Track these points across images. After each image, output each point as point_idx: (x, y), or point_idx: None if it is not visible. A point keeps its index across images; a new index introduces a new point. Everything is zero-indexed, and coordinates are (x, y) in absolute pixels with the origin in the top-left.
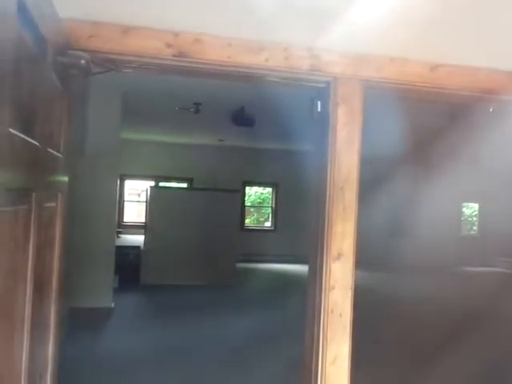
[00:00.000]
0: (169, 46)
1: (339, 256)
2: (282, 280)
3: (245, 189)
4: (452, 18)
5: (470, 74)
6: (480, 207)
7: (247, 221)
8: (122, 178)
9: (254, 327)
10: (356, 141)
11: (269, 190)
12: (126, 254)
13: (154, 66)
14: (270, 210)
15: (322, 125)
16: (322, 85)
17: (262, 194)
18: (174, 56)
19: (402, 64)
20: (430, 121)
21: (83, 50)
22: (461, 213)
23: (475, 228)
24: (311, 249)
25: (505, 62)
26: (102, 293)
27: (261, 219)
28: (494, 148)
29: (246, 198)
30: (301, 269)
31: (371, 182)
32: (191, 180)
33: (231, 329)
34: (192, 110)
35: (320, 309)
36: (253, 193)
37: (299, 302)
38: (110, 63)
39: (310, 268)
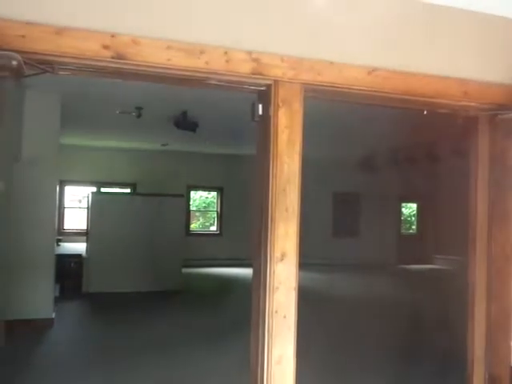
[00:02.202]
0: (106, 47)
1: (283, 257)
2: (229, 284)
3: (189, 193)
4: (387, 26)
5: (404, 78)
6: (418, 207)
7: (193, 225)
8: (62, 184)
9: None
10: (297, 143)
11: (214, 194)
12: (68, 262)
13: (91, 68)
14: (215, 215)
15: (264, 128)
16: (263, 88)
17: (207, 198)
18: (111, 58)
19: (341, 68)
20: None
21: (15, 51)
22: (400, 212)
23: (414, 227)
24: (255, 251)
25: (438, 68)
26: (41, 303)
27: (206, 223)
28: None
29: (191, 203)
30: (247, 272)
31: (315, 183)
32: (134, 185)
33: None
34: (134, 114)
35: (264, 310)
36: (198, 197)
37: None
38: (45, 65)
39: (254, 270)
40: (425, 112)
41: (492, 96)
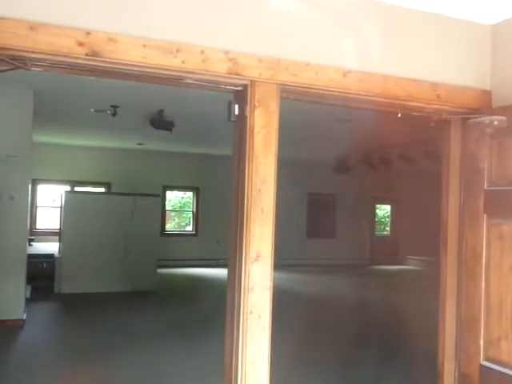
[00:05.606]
0: (80, 44)
1: (258, 258)
2: (203, 284)
3: (165, 193)
4: (363, 28)
5: (378, 80)
6: (392, 208)
7: (168, 225)
8: (35, 183)
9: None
10: (273, 143)
11: (190, 194)
12: (40, 263)
13: (65, 64)
14: (191, 215)
15: (240, 128)
16: (240, 88)
17: (182, 198)
18: (86, 55)
19: (316, 70)
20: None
21: None
22: (374, 213)
23: (387, 228)
24: (231, 251)
25: (412, 71)
26: (12, 304)
27: (182, 224)
28: None
29: (167, 203)
30: (223, 272)
31: (290, 184)
32: (109, 184)
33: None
34: (109, 112)
35: (239, 310)
36: (173, 197)
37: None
38: (17, 61)
39: (229, 270)
40: (399, 115)
41: (464, 100)
